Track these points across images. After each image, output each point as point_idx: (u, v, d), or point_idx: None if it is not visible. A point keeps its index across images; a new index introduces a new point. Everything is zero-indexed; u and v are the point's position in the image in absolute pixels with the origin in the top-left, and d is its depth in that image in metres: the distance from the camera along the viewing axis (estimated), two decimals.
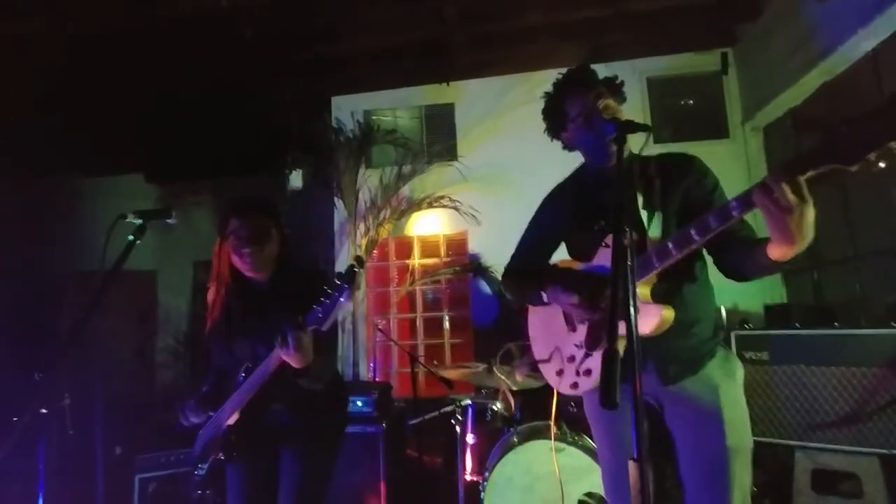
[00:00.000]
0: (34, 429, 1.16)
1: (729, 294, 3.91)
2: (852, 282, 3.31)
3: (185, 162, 5.83)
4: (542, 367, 1.73)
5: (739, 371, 1.53)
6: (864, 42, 3.02)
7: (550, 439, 2.48)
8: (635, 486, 0.95)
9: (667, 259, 1.33)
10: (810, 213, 1.10)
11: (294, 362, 1.56)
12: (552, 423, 2.46)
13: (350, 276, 1.46)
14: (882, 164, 0.99)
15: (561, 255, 1.76)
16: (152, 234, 1.52)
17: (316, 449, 1.80)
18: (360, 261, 1.53)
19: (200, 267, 5.99)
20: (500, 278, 4.29)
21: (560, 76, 1.61)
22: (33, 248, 5.67)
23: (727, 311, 3.77)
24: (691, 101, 4.77)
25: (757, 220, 1.26)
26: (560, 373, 1.63)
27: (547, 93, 1.64)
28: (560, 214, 1.70)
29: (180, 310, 6.10)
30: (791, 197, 1.07)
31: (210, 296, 1.85)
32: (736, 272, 1.45)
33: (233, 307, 1.83)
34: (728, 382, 1.49)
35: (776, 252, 1.21)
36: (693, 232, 1.27)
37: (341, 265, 4.65)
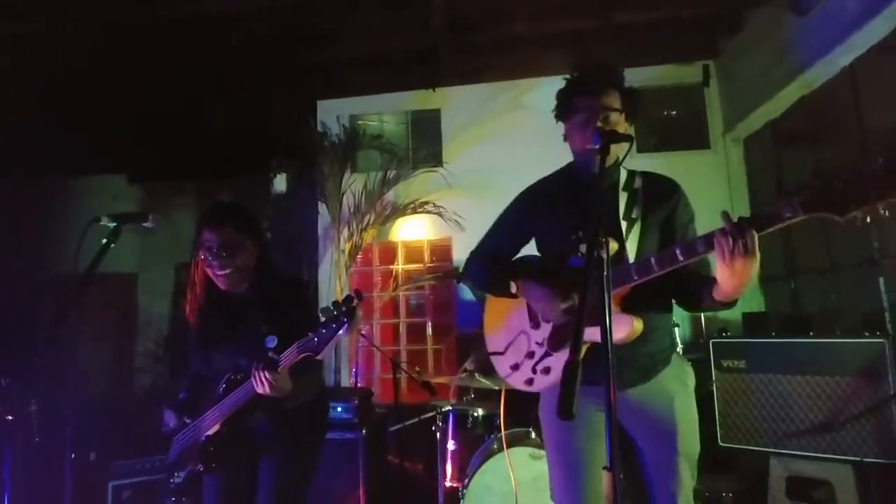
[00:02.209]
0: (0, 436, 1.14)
1: None
2: (828, 292, 3.37)
3: (169, 163, 5.76)
4: (494, 358, 1.72)
5: (691, 379, 1.60)
6: (842, 57, 3.09)
7: (526, 446, 2.49)
8: (608, 496, 0.96)
9: (647, 275, 1.37)
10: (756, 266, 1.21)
11: (264, 392, 1.55)
12: (502, 420, 2.49)
13: (350, 312, 1.46)
14: (868, 220, 1.09)
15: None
16: (133, 237, 1.51)
17: (296, 458, 1.78)
18: (359, 295, 1.51)
19: (182, 269, 5.92)
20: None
21: (583, 70, 1.62)
22: (10, 249, 5.56)
23: (706, 319, 3.82)
24: (674, 112, 4.84)
25: None
26: (515, 367, 1.64)
27: (566, 78, 1.63)
28: (537, 211, 1.69)
29: (161, 313, 6.01)
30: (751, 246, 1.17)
31: (187, 305, 1.81)
32: (682, 302, 1.53)
33: (210, 318, 1.79)
34: (682, 392, 1.55)
35: (720, 293, 1.30)
36: (679, 252, 1.32)
37: (325, 270, 4.62)
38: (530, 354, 1.60)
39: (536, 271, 1.62)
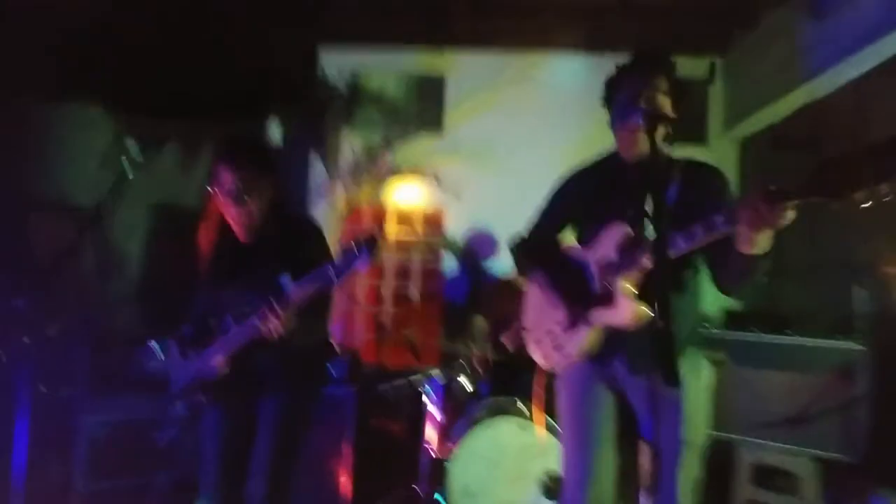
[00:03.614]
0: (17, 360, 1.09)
1: None
2: (806, 294, 3.51)
3: (149, 96, 5.46)
4: (525, 334, 1.82)
5: (705, 373, 1.65)
6: (851, 69, 3.14)
7: (517, 415, 2.55)
8: (646, 467, 0.99)
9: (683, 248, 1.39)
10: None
11: (267, 333, 1.57)
12: (535, 396, 2.50)
13: (371, 242, 1.46)
14: (866, 205, 1.06)
15: None
16: (108, 173, 1.42)
17: (298, 398, 1.82)
18: (378, 235, 1.52)
19: (158, 211, 5.71)
20: (474, 253, 4.35)
21: (636, 53, 1.63)
22: None
23: None
24: None
25: None
26: (538, 342, 1.73)
27: (618, 64, 1.65)
28: (582, 198, 1.73)
29: (134, 254, 5.81)
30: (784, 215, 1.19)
31: (201, 238, 1.80)
32: (722, 282, 1.55)
33: (222, 255, 1.78)
34: (694, 383, 1.59)
35: (742, 240, 1.29)
36: (680, 238, 1.36)
37: None
38: (549, 332, 1.68)
39: (557, 264, 1.70)
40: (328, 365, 2.72)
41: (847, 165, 1.06)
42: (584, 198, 1.71)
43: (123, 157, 1.35)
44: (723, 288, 1.57)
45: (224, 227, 1.75)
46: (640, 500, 1.00)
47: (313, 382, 1.91)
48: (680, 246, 1.35)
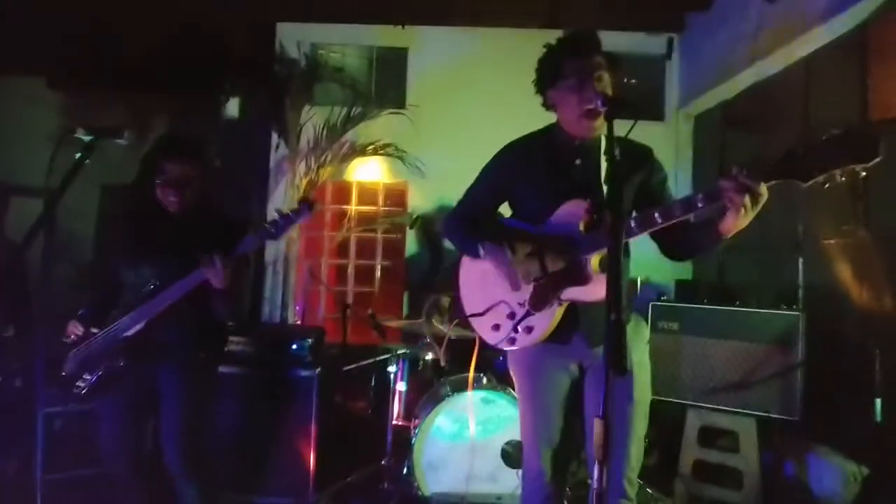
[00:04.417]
0: None
1: (643, 268, 4.23)
2: (752, 267, 3.70)
3: (96, 69, 5.17)
4: (474, 320, 1.79)
5: (646, 334, 1.76)
6: (800, 48, 3.26)
7: (479, 390, 2.63)
8: (599, 441, 1.06)
9: (629, 237, 1.47)
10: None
11: (216, 282, 1.76)
12: (470, 373, 2.60)
13: (310, 205, 1.74)
14: (827, 185, 1.25)
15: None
16: (49, 149, 1.37)
17: (196, 371, 1.96)
18: (313, 203, 1.81)
19: (109, 191, 5.47)
20: (437, 231, 4.37)
21: (566, 33, 1.63)
22: None
23: (640, 283, 4.10)
24: (633, 81, 4.95)
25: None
26: (496, 328, 1.71)
27: (548, 45, 1.64)
28: (517, 171, 1.71)
29: (82, 236, 5.56)
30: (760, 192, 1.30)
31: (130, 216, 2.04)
32: (681, 252, 1.66)
33: (145, 230, 1.98)
34: (639, 346, 1.69)
35: (727, 226, 1.40)
36: (656, 215, 1.43)
37: (276, 205, 4.45)
38: (511, 315, 1.67)
39: (504, 235, 1.67)
40: (291, 346, 2.74)
41: (813, 153, 1.23)
42: (526, 172, 1.68)
43: (78, 153, 1.31)
44: (676, 257, 1.69)
45: (150, 207, 1.95)
46: (593, 470, 1.07)
47: (212, 354, 2.05)
48: (657, 222, 1.42)
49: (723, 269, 4.06)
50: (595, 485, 1.05)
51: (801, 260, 3.11)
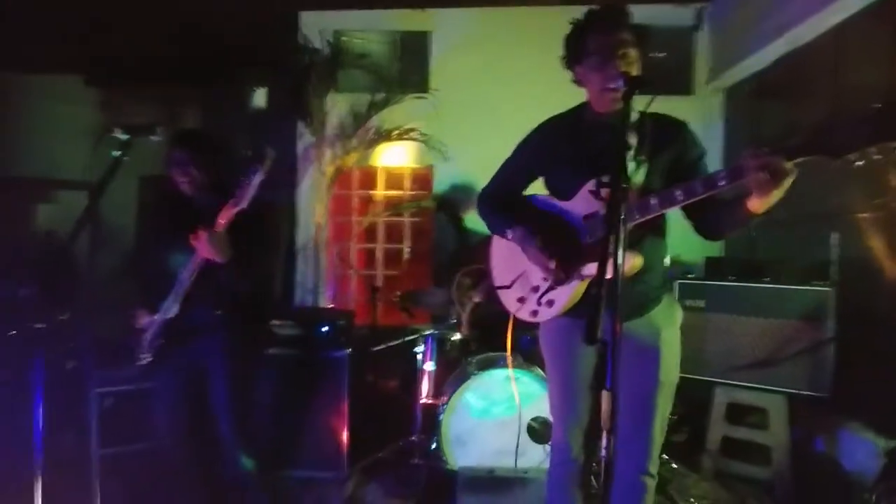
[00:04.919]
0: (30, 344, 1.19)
1: (674, 246, 4.19)
2: (784, 242, 3.62)
3: (131, 66, 5.36)
4: (501, 293, 1.84)
5: (679, 317, 1.74)
6: (832, 16, 3.14)
7: (506, 368, 2.68)
8: (606, 411, 1.11)
9: (648, 214, 1.47)
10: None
11: (210, 254, 1.84)
12: (508, 350, 2.62)
13: (260, 160, 1.79)
14: (859, 163, 1.20)
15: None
16: (90, 143, 1.48)
17: (239, 342, 2.06)
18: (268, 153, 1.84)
19: (146, 182, 5.70)
20: (462, 214, 4.41)
21: (593, 8, 1.61)
22: None
23: (672, 261, 4.06)
24: (662, 54, 4.84)
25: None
26: (521, 300, 1.76)
27: (575, 20, 1.62)
28: (548, 149, 1.73)
29: (124, 226, 5.82)
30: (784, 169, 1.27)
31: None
32: (713, 230, 1.63)
33: (171, 216, 2.14)
34: (669, 327, 1.69)
35: (755, 204, 1.38)
36: (678, 193, 1.42)
37: (304, 193, 4.57)
38: (535, 289, 1.71)
39: (536, 218, 1.69)
40: (321, 329, 2.85)
41: (844, 128, 1.19)
42: (556, 150, 1.69)
43: (115, 151, 1.42)
44: (709, 237, 1.66)
45: (176, 198, 2.08)
46: (602, 440, 1.12)
47: (253, 332, 2.15)
48: (678, 199, 1.42)
49: (754, 244, 3.98)
50: (603, 453, 1.10)
51: (835, 234, 3.04)
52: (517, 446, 2.34)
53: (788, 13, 3.45)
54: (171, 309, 1.99)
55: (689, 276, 3.30)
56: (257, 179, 1.79)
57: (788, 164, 1.27)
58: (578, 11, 1.64)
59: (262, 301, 2.21)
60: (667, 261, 1.78)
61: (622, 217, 1.13)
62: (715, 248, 4.39)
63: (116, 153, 1.42)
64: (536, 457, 2.56)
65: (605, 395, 1.11)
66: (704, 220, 1.61)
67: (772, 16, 3.62)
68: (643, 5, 4.41)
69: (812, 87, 3.47)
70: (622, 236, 1.11)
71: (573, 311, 1.66)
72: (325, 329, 2.85)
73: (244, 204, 1.79)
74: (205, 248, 1.83)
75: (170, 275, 2.06)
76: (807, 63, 3.51)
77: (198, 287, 1.96)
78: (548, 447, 2.25)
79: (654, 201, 1.47)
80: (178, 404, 2.07)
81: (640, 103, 1.44)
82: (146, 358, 2.04)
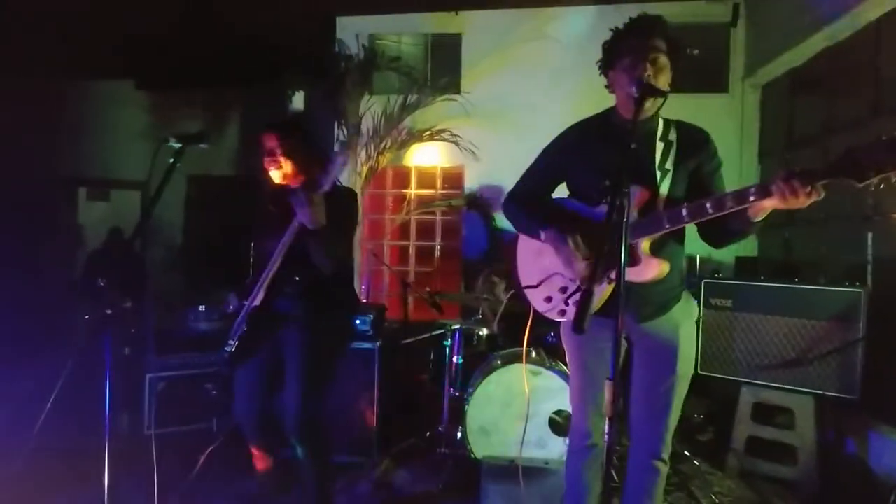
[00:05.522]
0: (101, 328, 1.35)
1: (704, 245, 4.16)
2: (819, 243, 3.56)
3: (178, 71, 5.67)
4: (528, 291, 1.87)
5: (696, 312, 1.81)
6: (870, 11, 3.08)
7: (529, 363, 2.76)
8: (609, 399, 1.19)
9: (678, 224, 1.51)
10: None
11: (307, 219, 1.79)
12: (524, 345, 2.68)
13: (341, 149, 1.80)
14: (881, 186, 1.28)
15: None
16: (145, 147, 1.64)
17: (318, 327, 2.05)
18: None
19: (194, 181, 6.01)
20: (492, 213, 4.51)
21: (632, 16, 1.65)
22: (21, 151, 5.61)
23: (701, 260, 4.03)
24: (696, 52, 4.78)
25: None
26: (549, 300, 1.80)
27: (615, 28, 1.67)
28: (575, 153, 1.76)
29: (172, 223, 6.16)
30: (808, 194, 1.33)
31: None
32: (719, 239, 1.66)
33: (267, 208, 2.14)
34: (687, 322, 1.75)
35: (756, 211, 1.43)
36: (708, 206, 1.45)
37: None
38: (563, 289, 1.76)
39: (566, 219, 1.72)
40: (354, 321, 2.96)
41: (870, 153, 1.25)
42: (582, 153, 1.73)
43: (170, 158, 1.57)
44: (716, 244, 1.69)
45: (266, 188, 2.11)
46: (605, 426, 1.20)
47: (335, 311, 2.13)
48: (708, 212, 1.45)
49: (788, 244, 3.92)
50: (606, 439, 1.19)
51: (870, 234, 2.99)
52: (523, 435, 2.39)
53: (826, 8, 3.39)
54: (256, 297, 2.00)
55: (717, 275, 3.29)
56: (340, 162, 1.81)
57: (817, 186, 1.31)
58: (608, 12, 1.66)
59: (344, 294, 2.19)
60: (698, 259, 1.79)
61: (625, 220, 1.21)
62: (748, 248, 4.34)
63: (170, 160, 1.58)
64: (557, 449, 2.64)
65: (607, 385, 1.20)
66: (713, 229, 1.63)
67: (809, 11, 3.56)
68: (679, 1, 4.46)
69: (851, 83, 3.40)
70: (624, 236, 1.19)
71: (600, 311, 1.71)
72: (357, 322, 2.99)
73: (328, 186, 1.79)
74: (305, 209, 1.78)
75: (260, 262, 2.08)
76: (845, 58, 3.44)
77: (282, 273, 1.95)
78: (568, 440, 2.32)
79: (684, 212, 1.49)
80: (254, 391, 2.10)
81: (636, 113, 1.46)
82: (232, 345, 2.04)
